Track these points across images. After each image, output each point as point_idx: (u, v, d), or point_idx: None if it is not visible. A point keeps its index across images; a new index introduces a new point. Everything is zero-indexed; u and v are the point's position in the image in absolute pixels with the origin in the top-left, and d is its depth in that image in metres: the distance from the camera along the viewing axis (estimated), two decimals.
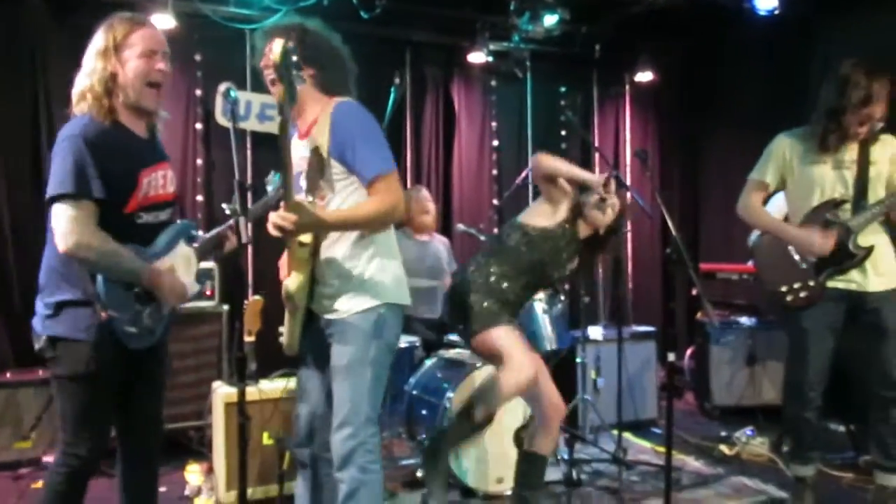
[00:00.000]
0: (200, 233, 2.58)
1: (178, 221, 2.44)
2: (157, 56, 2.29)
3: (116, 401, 2.35)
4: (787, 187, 3.24)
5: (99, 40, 2.26)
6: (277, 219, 2.17)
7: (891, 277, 3.08)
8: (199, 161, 4.87)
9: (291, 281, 2.36)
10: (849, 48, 4.83)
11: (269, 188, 2.80)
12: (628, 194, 4.38)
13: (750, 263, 4.74)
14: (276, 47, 2.11)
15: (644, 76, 6.11)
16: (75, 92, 2.26)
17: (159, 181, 2.34)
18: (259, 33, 2.52)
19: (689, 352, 5.42)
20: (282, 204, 2.22)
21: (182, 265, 2.37)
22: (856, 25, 5.01)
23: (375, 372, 2.35)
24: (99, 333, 2.18)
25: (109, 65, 2.23)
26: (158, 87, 2.30)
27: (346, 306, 2.35)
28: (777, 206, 3.56)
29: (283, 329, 2.46)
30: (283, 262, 2.53)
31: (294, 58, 2.14)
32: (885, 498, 3.09)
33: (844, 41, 5.06)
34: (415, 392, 3.75)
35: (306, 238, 2.31)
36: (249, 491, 2.32)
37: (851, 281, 3.06)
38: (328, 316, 2.38)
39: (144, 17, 2.36)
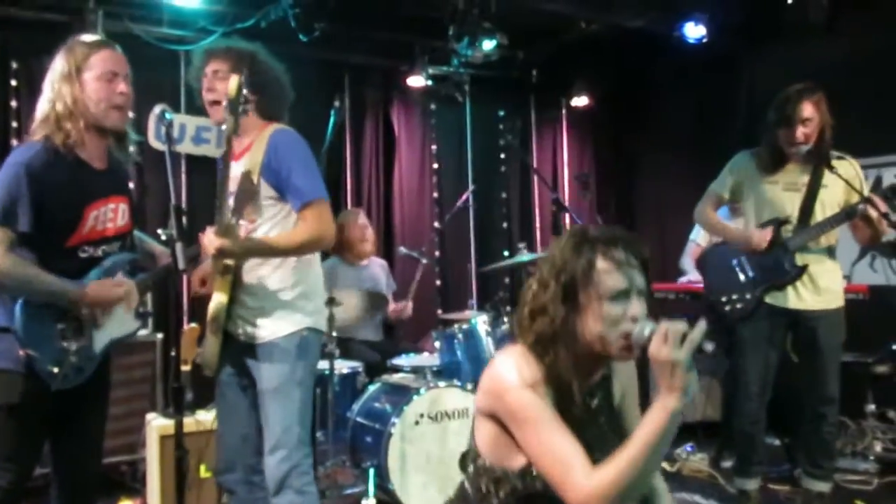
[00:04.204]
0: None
1: (117, 254, 2.34)
2: (119, 78, 2.23)
3: (50, 435, 2.25)
4: (743, 203, 3.32)
5: (59, 65, 2.20)
6: (206, 240, 2.23)
7: (829, 297, 3.16)
8: (131, 185, 4.71)
9: (216, 302, 2.36)
10: (772, 75, 5.08)
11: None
12: (567, 216, 4.46)
13: (682, 281, 4.88)
14: (233, 83, 2.17)
15: (580, 101, 6.25)
16: (37, 118, 2.20)
17: (108, 215, 2.28)
18: (200, 52, 2.50)
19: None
20: (209, 227, 2.26)
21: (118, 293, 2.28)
22: (779, 52, 5.25)
23: (303, 393, 2.38)
24: (29, 365, 2.09)
25: (71, 89, 2.16)
26: (122, 109, 2.25)
27: (270, 330, 2.37)
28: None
29: (200, 350, 2.47)
30: (198, 270, 2.53)
31: (245, 91, 2.19)
32: (810, 500, 3.22)
33: (768, 67, 5.30)
34: (358, 419, 3.68)
35: (230, 263, 2.34)
36: None
37: (789, 299, 3.15)
38: (252, 341, 2.38)
39: (105, 40, 2.31)
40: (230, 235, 2.24)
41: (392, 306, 4.81)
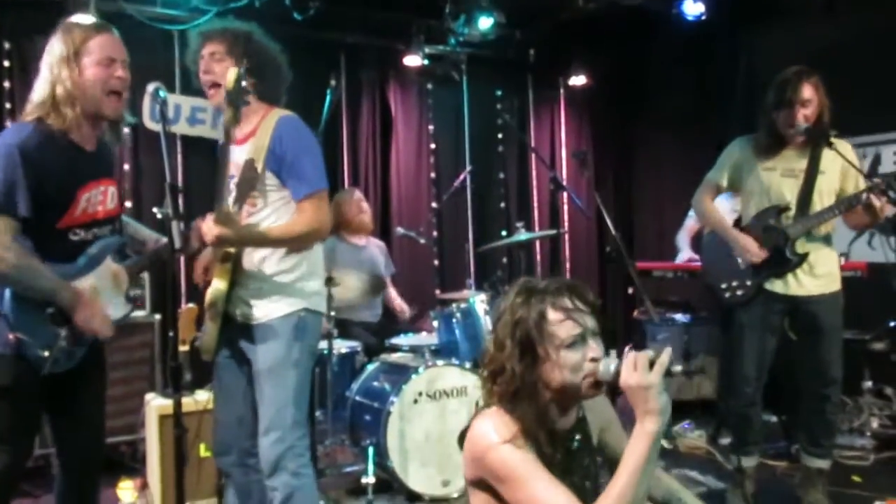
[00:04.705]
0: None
1: (107, 237, 2.32)
2: (116, 64, 2.20)
3: (48, 417, 2.26)
4: (740, 190, 3.30)
5: (57, 47, 2.17)
6: (205, 228, 2.22)
7: (827, 281, 3.17)
8: (127, 166, 4.70)
9: (215, 288, 2.36)
10: (771, 53, 5.05)
11: None
12: (565, 194, 4.45)
13: (679, 259, 4.89)
14: (230, 75, 2.16)
15: (578, 80, 6.21)
16: (34, 99, 2.17)
17: (99, 197, 2.25)
18: (195, 34, 2.48)
19: (626, 349, 5.51)
20: (208, 215, 2.26)
21: (109, 283, 2.28)
22: (778, 31, 5.22)
23: (299, 374, 2.36)
24: (19, 349, 2.08)
25: (71, 73, 2.14)
26: (119, 96, 2.22)
27: (267, 311, 2.36)
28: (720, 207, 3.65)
29: (200, 334, 2.46)
30: (200, 259, 2.52)
31: (244, 84, 2.18)
32: (810, 476, 3.24)
33: (767, 46, 5.27)
34: (357, 398, 3.70)
35: (231, 250, 2.34)
36: None
37: (788, 285, 3.15)
38: (248, 321, 2.38)
39: (103, 23, 2.28)
40: (229, 223, 2.23)
41: (396, 300, 4.82)
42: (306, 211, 2.32)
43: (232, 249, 2.34)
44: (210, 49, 2.40)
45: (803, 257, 3.12)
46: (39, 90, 2.17)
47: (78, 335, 2.16)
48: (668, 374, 1.48)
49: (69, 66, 2.14)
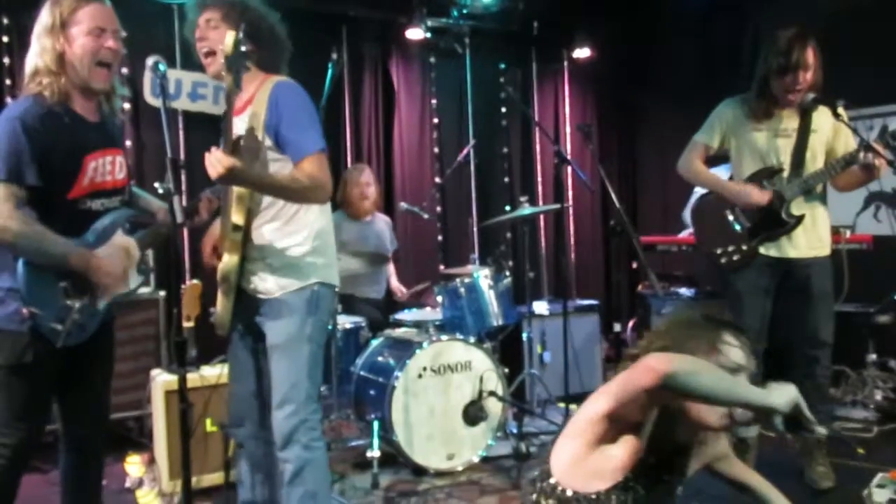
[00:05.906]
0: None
1: (117, 209, 2.31)
2: (107, 34, 2.18)
3: (57, 393, 2.27)
4: (730, 152, 3.27)
5: (45, 18, 2.15)
6: (213, 159, 2.07)
7: (822, 245, 3.17)
8: (129, 142, 4.66)
9: (226, 262, 2.34)
10: (777, 24, 4.97)
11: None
12: (569, 168, 4.40)
13: (684, 234, 4.86)
14: (228, 39, 2.10)
15: (582, 52, 6.14)
16: (26, 72, 2.17)
17: (107, 167, 2.25)
18: (192, 4, 2.43)
19: (631, 323, 5.52)
20: (214, 148, 2.15)
21: (120, 256, 2.28)
22: (783, 2, 5.14)
23: (313, 349, 2.36)
24: (33, 324, 2.10)
25: (57, 43, 2.12)
26: (109, 67, 2.20)
27: (280, 285, 2.35)
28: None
29: (214, 309, 2.44)
30: (207, 238, 2.52)
31: (244, 48, 2.12)
32: (808, 447, 3.25)
33: (773, 17, 5.19)
34: (362, 373, 3.72)
35: (239, 220, 2.31)
36: (194, 479, 2.25)
37: (783, 248, 3.14)
38: (262, 296, 2.37)
39: None
40: (237, 154, 2.16)
41: (394, 279, 4.82)
42: (306, 169, 2.26)
43: (241, 222, 2.30)
44: (206, 16, 2.36)
45: (799, 219, 3.10)
46: (29, 63, 2.16)
47: (94, 302, 2.18)
48: (798, 425, 1.52)
49: (54, 36, 2.12)
